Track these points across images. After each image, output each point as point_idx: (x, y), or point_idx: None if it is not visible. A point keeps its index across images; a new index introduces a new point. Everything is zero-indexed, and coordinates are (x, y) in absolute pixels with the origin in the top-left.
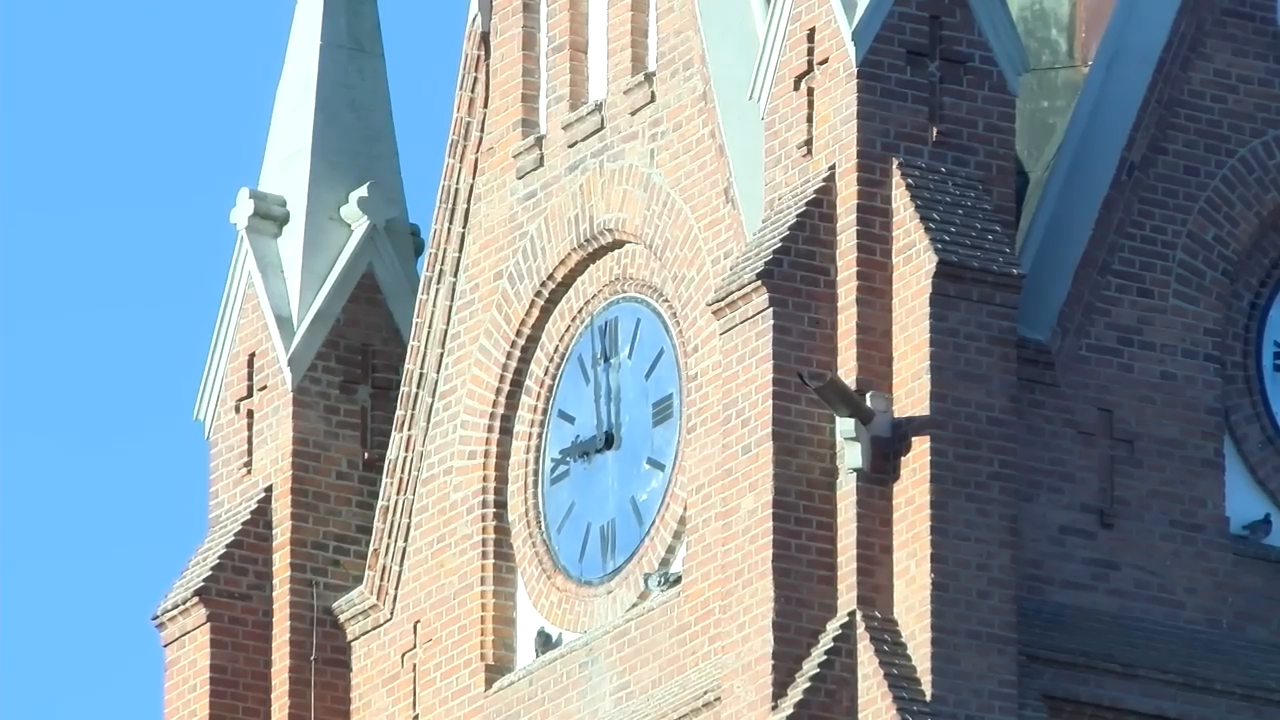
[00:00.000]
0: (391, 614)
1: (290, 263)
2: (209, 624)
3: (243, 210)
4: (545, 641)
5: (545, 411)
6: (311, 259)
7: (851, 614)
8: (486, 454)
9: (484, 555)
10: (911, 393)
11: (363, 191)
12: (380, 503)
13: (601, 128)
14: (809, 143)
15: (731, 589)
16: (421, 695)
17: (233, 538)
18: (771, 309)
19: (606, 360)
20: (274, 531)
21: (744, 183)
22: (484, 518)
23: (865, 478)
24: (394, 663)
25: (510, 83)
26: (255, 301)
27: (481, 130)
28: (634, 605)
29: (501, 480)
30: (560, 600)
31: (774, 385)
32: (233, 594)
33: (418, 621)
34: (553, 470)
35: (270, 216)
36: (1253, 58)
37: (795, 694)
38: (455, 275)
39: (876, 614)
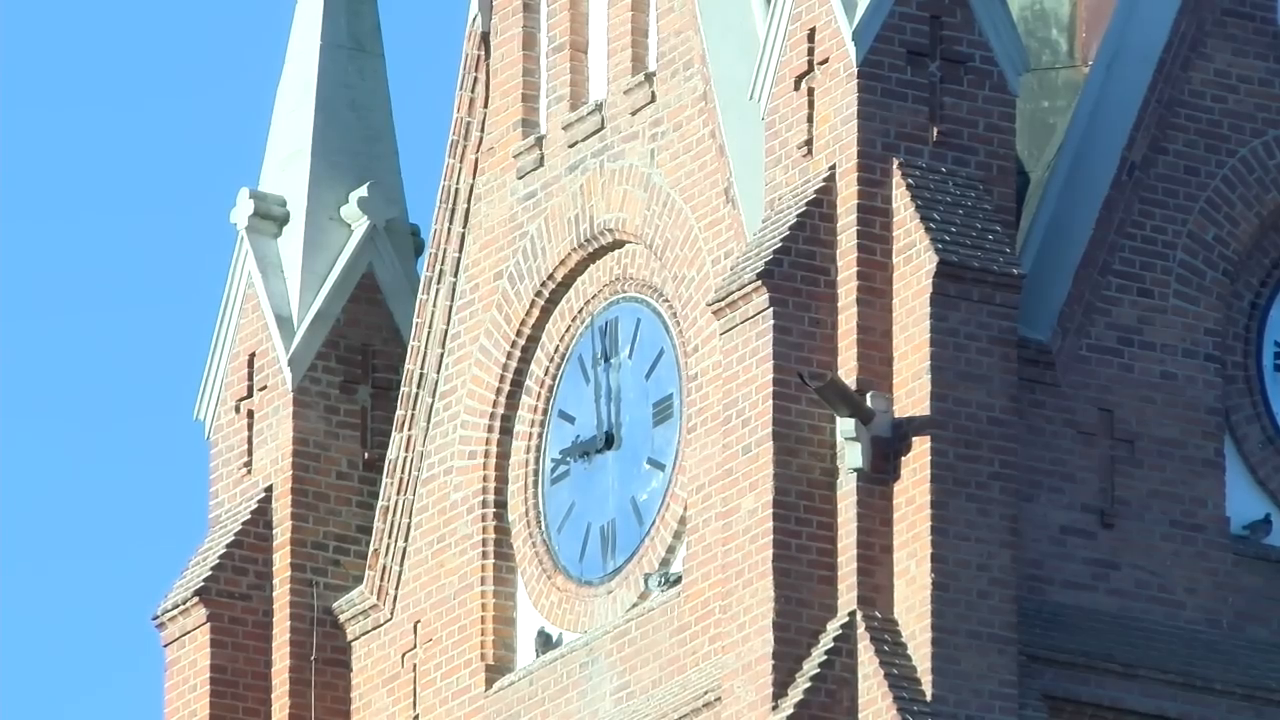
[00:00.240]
0: (392, 614)
1: (290, 263)
2: (209, 624)
3: (243, 210)
4: (545, 641)
5: (545, 411)
6: (312, 259)
7: (852, 614)
8: (487, 454)
9: (484, 555)
10: (912, 393)
11: (363, 191)
12: (380, 503)
13: (602, 128)
14: (809, 143)
15: (732, 589)
16: (422, 695)
17: (233, 538)
18: (772, 309)
19: (607, 360)
20: (274, 531)
21: (744, 183)
22: (484, 518)
23: (865, 478)
24: (394, 663)
25: (510, 83)
26: (255, 301)
27: (482, 130)
28: (634, 605)
29: (502, 480)
30: (560, 600)
31: (774, 385)
32: (233, 594)
33: (418, 621)
34: (553, 470)
35: (270, 216)
36: (1253, 58)
37: (795, 694)
38: (455, 275)
39: (877, 614)
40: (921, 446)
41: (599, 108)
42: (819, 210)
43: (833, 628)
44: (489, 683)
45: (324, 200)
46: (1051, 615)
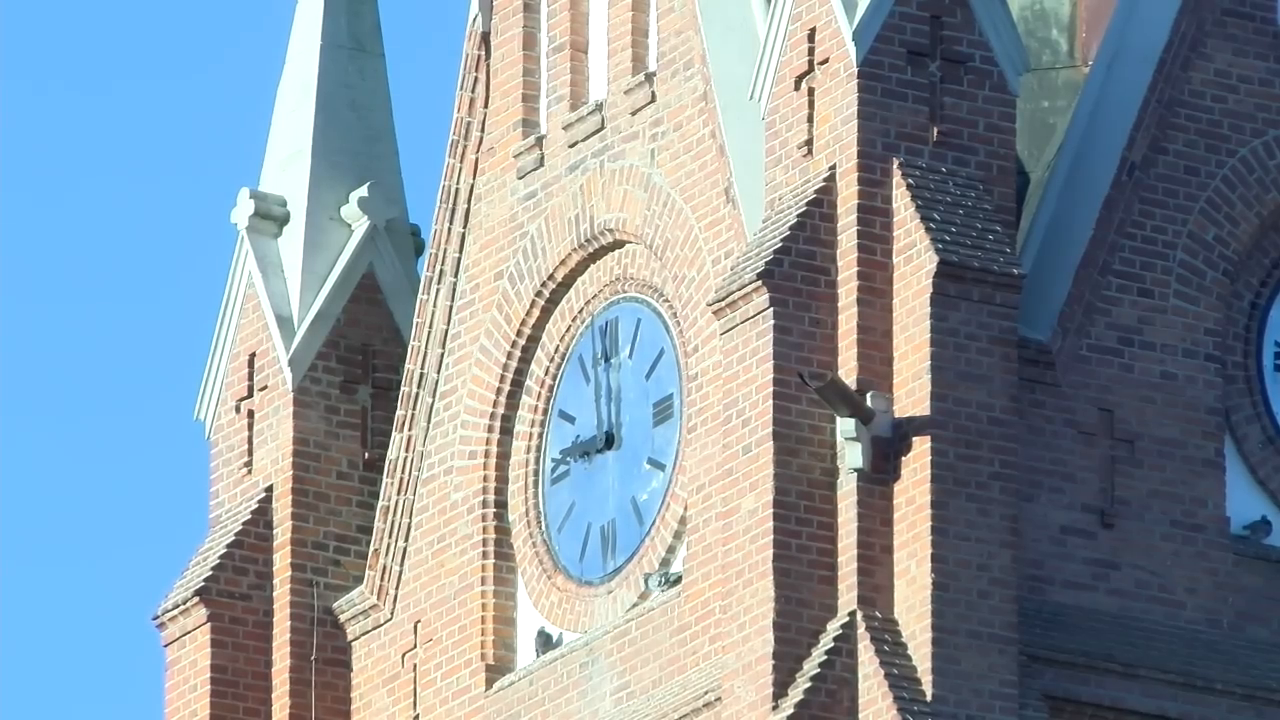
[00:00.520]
0: (392, 614)
1: (291, 263)
2: (209, 624)
3: (243, 210)
4: (545, 641)
5: (546, 411)
6: (312, 259)
7: (852, 614)
8: (487, 454)
9: (484, 555)
10: (912, 393)
11: (363, 191)
12: (381, 503)
13: (602, 128)
14: (809, 143)
15: (732, 589)
16: (422, 695)
17: (233, 538)
18: (772, 309)
19: (607, 360)
20: (274, 531)
21: (744, 183)
22: (484, 518)
23: (866, 478)
24: (394, 663)
25: (511, 83)
26: (256, 301)
27: (482, 130)
28: (634, 605)
29: (502, 480)
30: (560, 600)
31: (774, 385)
32: (233, 594)
33: (418, 621)
34: (553, 470)
35: (271, 216)
36: (1253, 58)
37: (796, 694)
38: (456, 275)
39: (877, 614)
40: (921, 446)
41: (599, 108)
42: (819, 210)
43: (833, 628)
44: (489, 683)
45: (324, 200)
46: (1052, 615)
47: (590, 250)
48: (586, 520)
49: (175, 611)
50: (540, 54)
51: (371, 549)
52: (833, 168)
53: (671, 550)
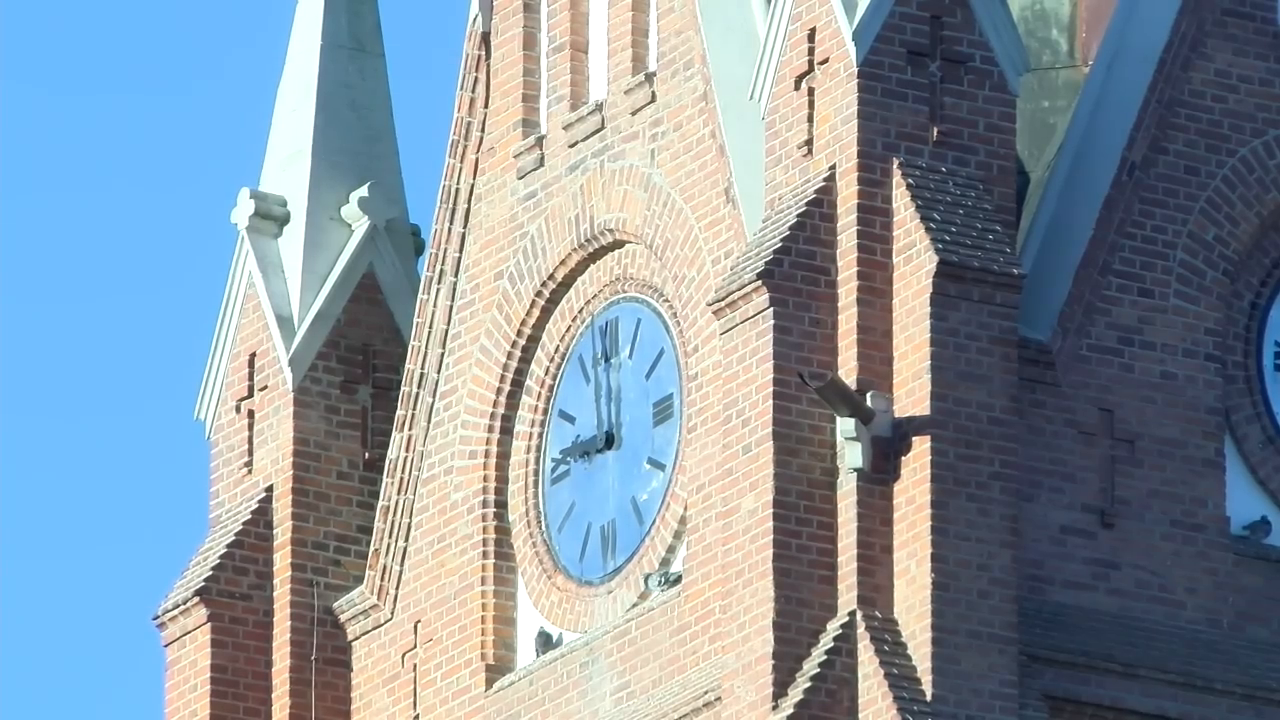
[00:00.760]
0: (392, 614)
1: (291, 263)
2: (209, 624)
3: (243, 210)
4: (545, 641)
5: (546, 411)
6: (312, 259)
7: (852, 614)
8: (487, 454)
9: (484, 555)
10: (912, 393)
11: (363, 191)
12: (381, 503)
13: (602, 128)
14: (809, 143)
15: (732, 589)
16: (422, 695)
17: (233, 538)
18: (772, 309)
19: (607, 360)
20: (274, 531)
21: (744, 183)
22: (484, 518)
23: (866, 478)
24: (394, 663)
25: (511, 83)
26: (256, 301)
27: (482, 130)
28: (634, 605)
29: (502, 480)
30: (561, 600)
31: (774, 385)
32: (233, 594)
33: (418, 621)
34: (553, 470)
35: (271, 216)
36: (1253, 58)
37: (795, 694)
38: (456, 275)
39: (877, 614)
40: (921, 446)
41: (599, 108)
42: (819, 210)
43: (833, 628)
44: (489, 683)
45: (324, 200)
46: (1052, 615)
47: (590, 250)
48: (586, 520)
49: (175, 611)
50: (540, 54)
51: (371, 549)
52: (833, 168)
53: (671, 550)
